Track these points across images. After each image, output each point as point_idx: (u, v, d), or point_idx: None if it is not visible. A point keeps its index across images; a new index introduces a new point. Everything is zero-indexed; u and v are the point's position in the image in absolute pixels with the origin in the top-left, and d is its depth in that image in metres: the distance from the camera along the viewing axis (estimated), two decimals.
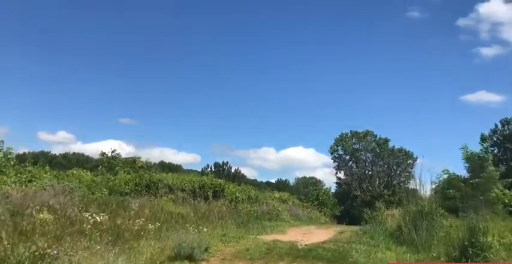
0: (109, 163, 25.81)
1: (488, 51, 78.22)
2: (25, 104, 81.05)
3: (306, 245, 10.71)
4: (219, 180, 21.15)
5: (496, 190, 17.85)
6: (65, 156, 66.25)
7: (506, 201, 17.56)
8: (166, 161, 74.91)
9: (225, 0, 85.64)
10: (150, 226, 8.53)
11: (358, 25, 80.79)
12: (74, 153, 69.19)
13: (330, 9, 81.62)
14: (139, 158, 29.68)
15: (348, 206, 52.68)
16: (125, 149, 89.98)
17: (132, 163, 29.41)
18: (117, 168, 24.82)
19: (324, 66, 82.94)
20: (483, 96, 76.99)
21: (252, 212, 17.93)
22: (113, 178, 20.27)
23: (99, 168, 25.39)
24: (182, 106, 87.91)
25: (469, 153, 20.02)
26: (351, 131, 56.43)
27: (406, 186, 56.05)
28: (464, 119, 76.22)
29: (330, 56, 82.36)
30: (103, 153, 28.13)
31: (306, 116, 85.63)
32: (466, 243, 7.10)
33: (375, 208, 16.65)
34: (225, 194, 19.89)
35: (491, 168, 18.75)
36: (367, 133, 55.92)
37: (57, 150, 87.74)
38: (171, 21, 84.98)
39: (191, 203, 16.02)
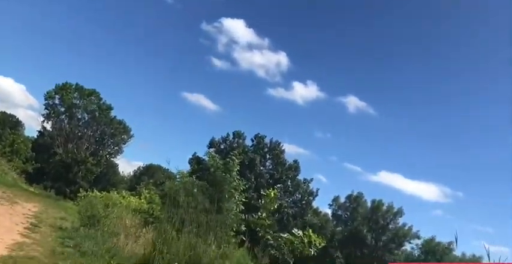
0: None
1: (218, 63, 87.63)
2: None
3: None
4: None
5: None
6: None
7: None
8: None
9: None
10: None
11: None
12: None
13: None
14: None
15: (42, 161, 47.07)
16: None
17: None
18: None
19: None
20: (200, 100, 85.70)
21: None
22: None
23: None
24: None
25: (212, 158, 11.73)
26: (76, 84, 51.13)
27: (112, 159, 55.30)
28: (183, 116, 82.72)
29: None
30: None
31: None
32: None
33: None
34: None
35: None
36: (93, 92, 52.17)
37: None
38: None
39: None
